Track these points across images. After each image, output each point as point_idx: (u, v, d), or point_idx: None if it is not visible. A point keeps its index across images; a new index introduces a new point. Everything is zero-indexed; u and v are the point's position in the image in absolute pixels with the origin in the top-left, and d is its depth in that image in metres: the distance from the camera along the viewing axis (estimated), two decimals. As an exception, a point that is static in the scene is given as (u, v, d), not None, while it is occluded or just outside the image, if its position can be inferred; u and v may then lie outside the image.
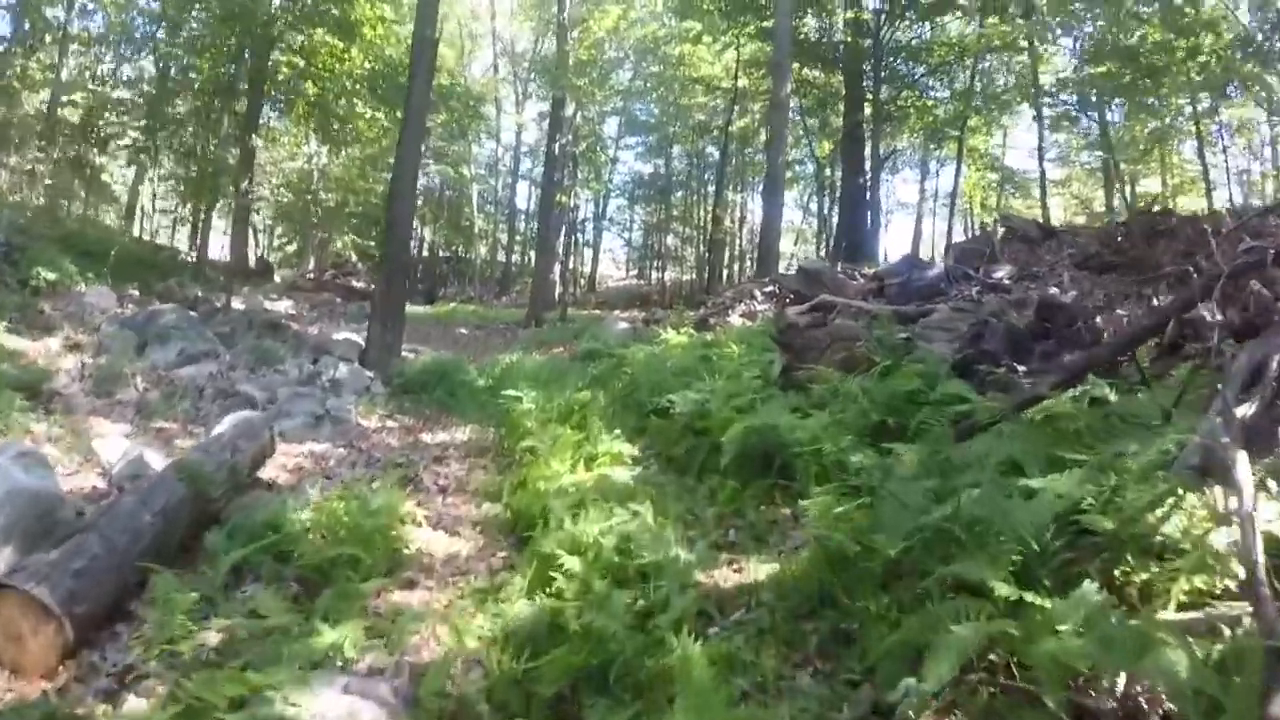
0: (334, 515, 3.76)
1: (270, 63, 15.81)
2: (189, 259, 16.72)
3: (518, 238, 31.73)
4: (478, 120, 24.98)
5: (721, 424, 4.87)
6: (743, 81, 21.67)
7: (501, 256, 31.35)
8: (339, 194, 25.32)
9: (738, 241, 29.79)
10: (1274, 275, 4.16)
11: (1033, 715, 2.17)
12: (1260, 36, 16.29)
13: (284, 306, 14.03)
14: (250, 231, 25.98)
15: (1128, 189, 23.47)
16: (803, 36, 19.58)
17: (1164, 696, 2.14)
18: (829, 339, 6.35)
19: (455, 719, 2.56)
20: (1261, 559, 2.14)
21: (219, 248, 20.45)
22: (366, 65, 16.02)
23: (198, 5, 14.61)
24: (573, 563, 3.12)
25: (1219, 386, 3.69)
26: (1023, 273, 9.70)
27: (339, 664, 2.77)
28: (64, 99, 17.47)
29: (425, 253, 31.41)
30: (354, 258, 24.76)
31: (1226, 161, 21.94)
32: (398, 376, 8.45)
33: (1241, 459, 2.45)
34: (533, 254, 23.83)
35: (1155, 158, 22.33)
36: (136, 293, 10.73)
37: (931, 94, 21.80)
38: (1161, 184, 22.86)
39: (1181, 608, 2.52)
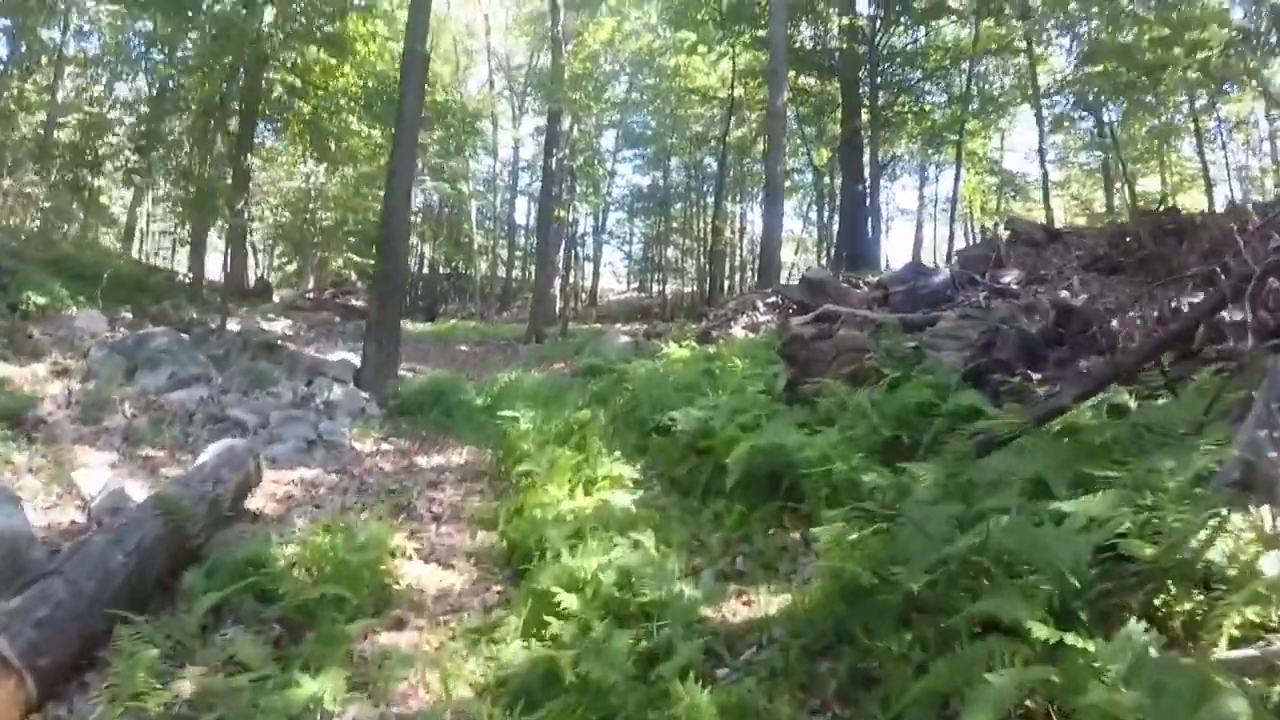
0: (319, 550, 3.56)
1: (264, 81, 15.72)
2: (185, 280, 16.59)
3: (518, 253, 31.63)
4: (474, 136, 24.93)
5: (726, 443, 4.67)
6: (739, 91, 21.59)
7: (502, 272, 31.24)
8: (337, 213, 25.25)
9: (738, 252, 29.66)
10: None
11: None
12: (1259, 26, 16.17)
13: (281, 327, 13.87)
14: (250, 252, 25.93)
15: (1127, 189, 23.34)
16: (798, 44, 19.49)
17: (1225, 751, 1.92)
18: (835, 351, 6.14)
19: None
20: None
21: (218, 269, 20.33)
22: (360, 82, 15.91)
23: (191, 26, 14.54)
24: (570, 601, 2.92)
25: (1253, 394, 3.49)
26: (1030, 277, 9.50)
27: (318, 719, 2.56)
28: (59, 121, 17.43)
29: (425, 270, 31.32)
30: (353, 276, 24.63)
31: (1227, 158, 21.83)
32: (393, 397, 8.26)
33: (1290, 475, 2.24)
34: (533, 269, 23.71)
35: (1154, 156, 22.21)
36: (129, 316, 10.56)
37: (929, 99, 21.71)
38: (1161, 182, 22.73)
39: (1234, 643, 2.31)
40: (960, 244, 23.93)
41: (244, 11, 12.94)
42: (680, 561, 3.56)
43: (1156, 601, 2.51)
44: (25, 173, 16.00)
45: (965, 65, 19.86)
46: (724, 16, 19.06)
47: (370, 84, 15.65)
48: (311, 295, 20.91)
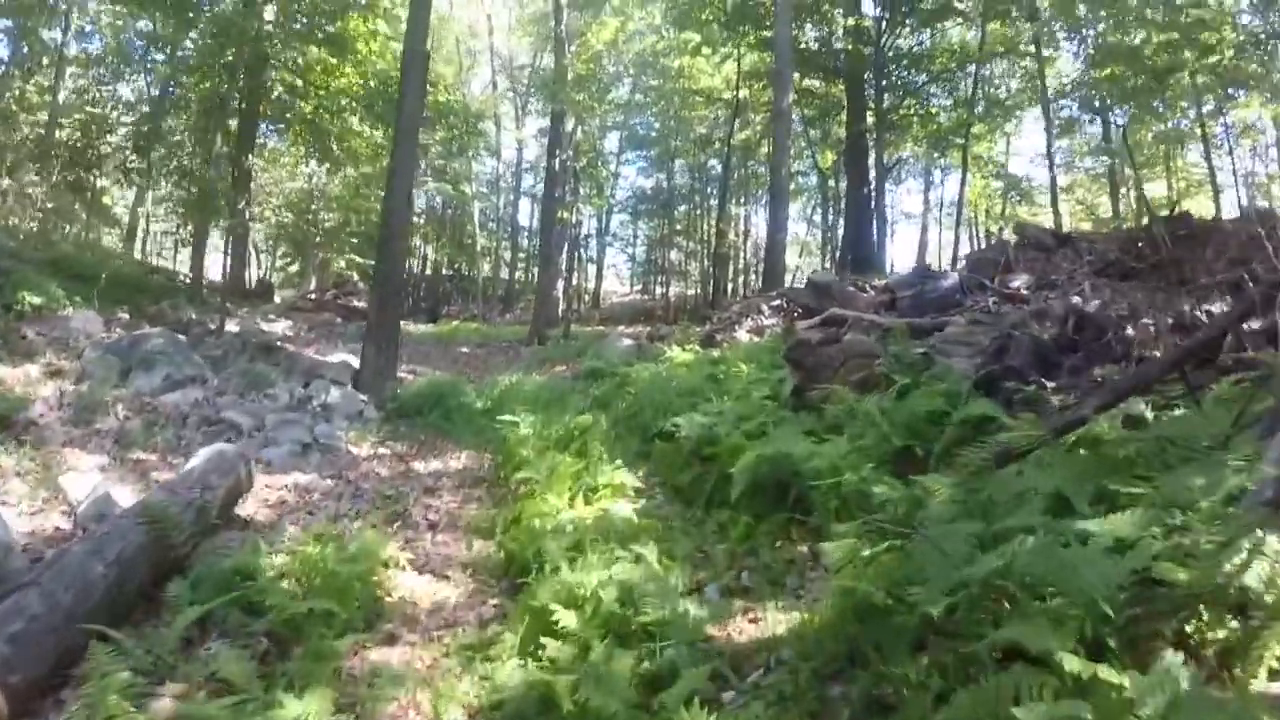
0: (309, 561, 3.42)
1: (265, 81, 15.63)
2: (185, 281, 16.49)
3: (521, 254, 31.51)
4: (477, 137, 24.84)
5: (731, 450, 4.54)
6: (743, 93, 21.45)
7: (504, 274, 31.13)
8: (339, 214, 25.17)
9: (742, 255, 29.52)
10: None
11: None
12: (1273, 29, 16.02)
13: (281, 328, 13.75)
14: (252, 252, 25.86)
15: (1135, 193, 23.18)
16: (803, 46, 19.35)
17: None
18: (843, 356, 6.00)
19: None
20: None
21: (221, 269, 20.25)
22: (361, 82, 15.81)
23: (192, 25, 14.46)
24: (569, 618, 2.78)
25: (1281, 407, 3.35)
26: (1040, 282, 9.35)
27: (300, 744, 2.42)
28: (61, 121, 17.36)
29: (428, 271, 31.23)
30: (355, 277, 24.55)
31: (1234, 164, 21.70)
32: (392, 400, 8.13)
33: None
34: (536, 271, 23.60)
35: (1161, 161, 22.08)
36: (126, 316, 10.45)
37: (935, 101, 21.55)
38: (1167, 188, 22.60)
39: (1273, 675, 2.17)
40: (965, 248, 23.80)
41: (243, 7, 12.85)
42: (684, 576, 3.43)
43: (1188, 629, 2.37)
44: (25, 173, 15.93)
45: (971, 68, 19.72)
46: (729, 17, 18.93)
47: (372, 84, 15.53)
48: (313, 296, 20.81)
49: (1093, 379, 5.53)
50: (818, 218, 27.74)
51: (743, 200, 29.13)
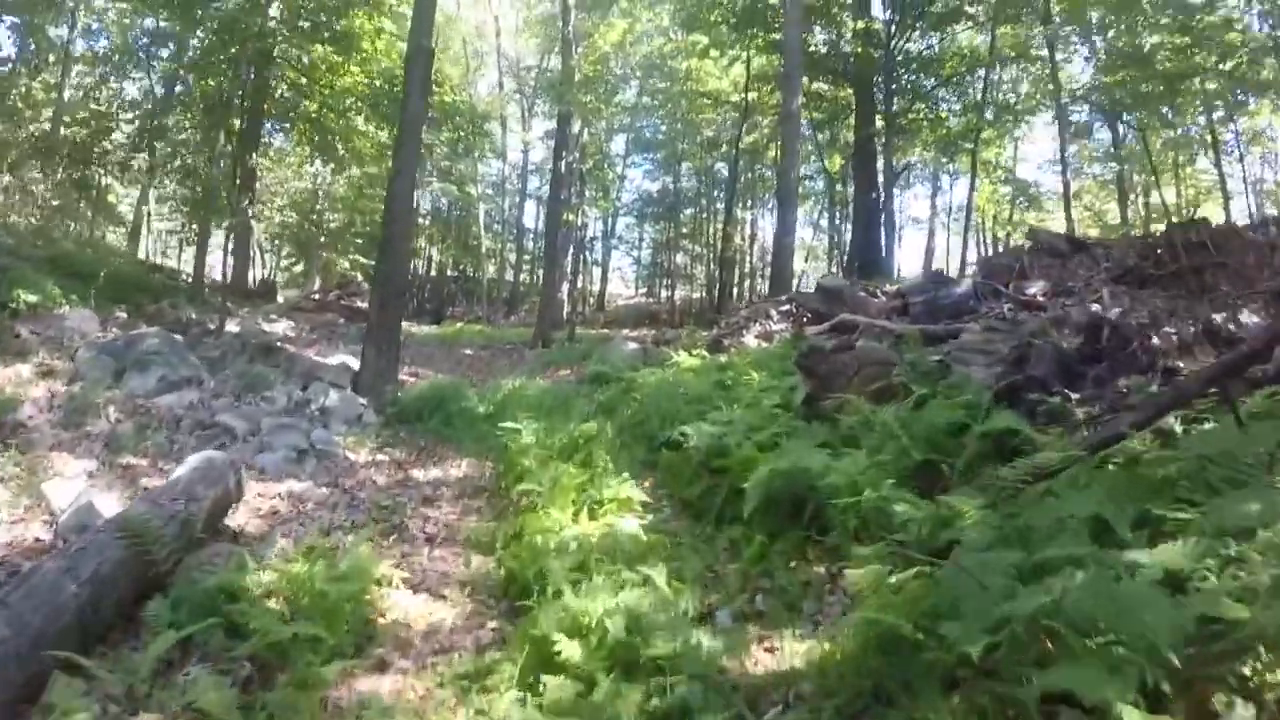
0: (296, 580, 3.23)
1: (270, 79, 15.50)
2: (186, 280, 16.34)
3: (526, 257, 31.38)
4: (483, 138, 24.71)
5: (742, 463, 4.33)
6: (752, 96, 21.26)
7: (509, 276, 30.99)
8: (345, 214, 25.05)
9: (748, 259, 29.34)
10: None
11: None
12: (1276, 36, 15.84)
13: (283, 328, 13.57)
14: (256, 252, 25.73)
15: (1149, 198, 22.98)
16: (812, 49, 19.15)
17: None
18: (857, 364, 5.79)
19: None
20: None
21: (225, 268, 20.11)
22: (366, 81, 15.66)
23: (198, 23, 14.32)
24: (572, 650, 2.58)
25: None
26: (1057, 289, 9.13)
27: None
28: (66, 119, 17.26)
29: (433, 272, 31.11)
30: (360, 277, 24.42)
31: (1244, 170, 21.51)
32: (392, 404, 7.94)
33: None
34: (541, 273, 23.41)
35: (1170, 168, 21.91)
36: (124, 315, 10.28)
37: (944, 106, 21.33)
38: (1176, 195, 22.40)
39: (1341, 724, 1.97)
40: (973, 254, 23.58)
41: (247, 4, 12.71)
42: (694, 599, 3.22)
43: (1245, 670, 2.17)
44: (28, 170, 15.82)
45: (981, 73, 19.51)
46: (737, 20, 18.75)
47: (378, 83, 15.38)
48: (317, 296, 20.67)
49: (1118, 390, 5.32)
50: (825, 222, 27.55)
51: (749, 204, 28.96)
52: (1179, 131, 20.19)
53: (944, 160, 24.15)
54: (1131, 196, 22.74)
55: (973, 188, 20.61)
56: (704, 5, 18.97)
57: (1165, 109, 18.41)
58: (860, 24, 18.58)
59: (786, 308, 10.87)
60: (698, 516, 4.44)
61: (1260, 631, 2.15)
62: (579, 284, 29.90)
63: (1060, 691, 2.03)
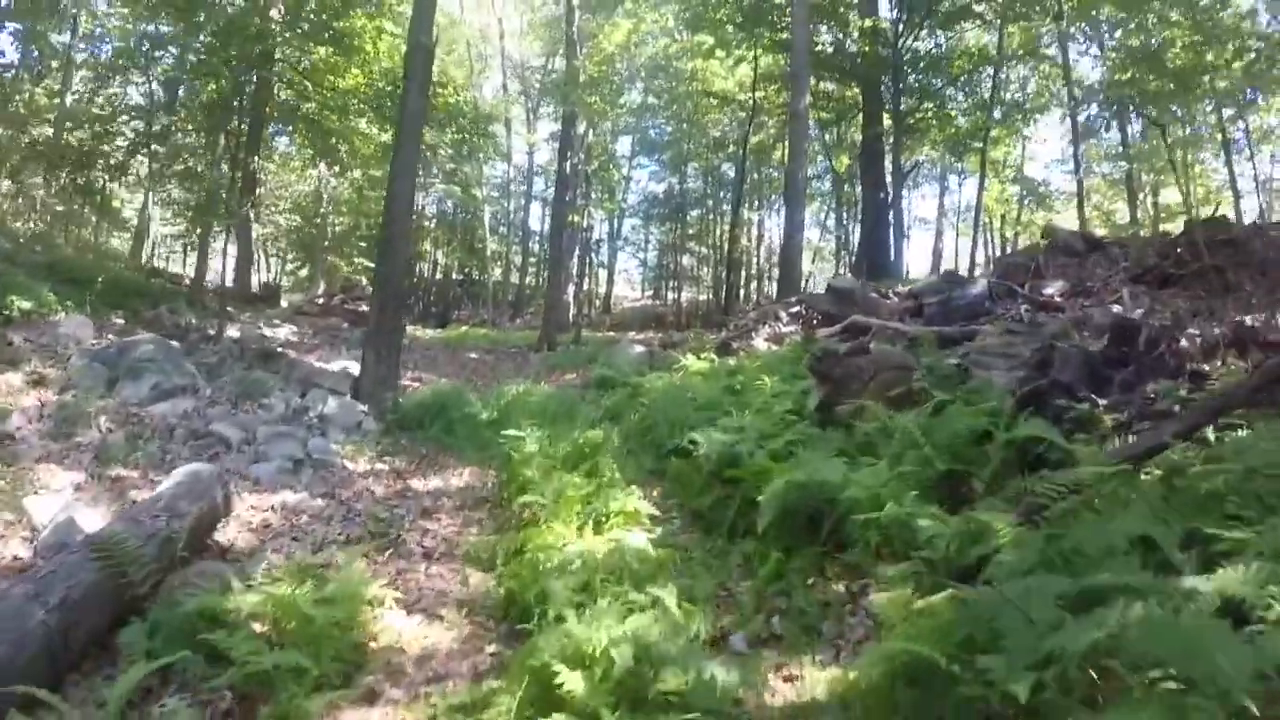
0: (282, 603, 3.03)
1: (270, 81, 15.36)
2: (187, 284, 16.21)
3: (531, 259, 31.23)
4: (488, 140, 24.58)
5: (756, 474, 4.11)
6: (758, 95, 21.05)
7: (515, 278, 30.83)
8: (349, 218, 24.92)
9: (755, 260, 29.10)
10: None
11: None
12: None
13: (284, 333, 13.40)
14: (260, 256, 25.65)
15: (1149, 200, 22.72)
16: (818, 48, 18.93)
17: None
18: (873, 368, 5.57)
19: None
20: None
21: (229, 273, 20.01)
22: (368, 83, 15.50)
23: (200, 26, 14.19)
24: (575, 682, 2.37)
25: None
26: (1074, 289, 8.89)
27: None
28: (69, 124, 17.17)
29: (438, 275, 30.98)
30: (364, 281, 24.31)
31: (1255, 169, 21.21)
32: (392, 410, 7.75)
33: None
34: (546, 275, 23.25)
35: (1180, 166, 21.64)
36: (121, 321, 10.11)
37: (952, 105, 21.06)
38: (1184, 193, 22.11)
39: None
40: (982, 255, 23.30)
41: (245, 4, 12.57)
42: (706, 622, 3.01)
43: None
44: (29, 175, 15.72)
45: (990, 71, 19.26)
46: (743, 19, 18.54)
47: (379, 85, 15.22)
48: (320, 300, 20.52)
49: (1146, 396, 5.08)
50: (832, 223, 27.27)
51: (756, 204, 28.73)
52: (1188, 130, 19.93)
53: (953, 160, 23.89)
54: (1140, 196, 22.43)
55: (982, 187, 20.34)
56: (709, 5, 18.77)
57: (1174, 107, 18.13)
58: (867, 22, 18.36)
59: (796, 309, 10.64)
60: (709, 529, 4.23)
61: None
62: (584, 286, 29.74)
63: (1119, 739, 1.82)
